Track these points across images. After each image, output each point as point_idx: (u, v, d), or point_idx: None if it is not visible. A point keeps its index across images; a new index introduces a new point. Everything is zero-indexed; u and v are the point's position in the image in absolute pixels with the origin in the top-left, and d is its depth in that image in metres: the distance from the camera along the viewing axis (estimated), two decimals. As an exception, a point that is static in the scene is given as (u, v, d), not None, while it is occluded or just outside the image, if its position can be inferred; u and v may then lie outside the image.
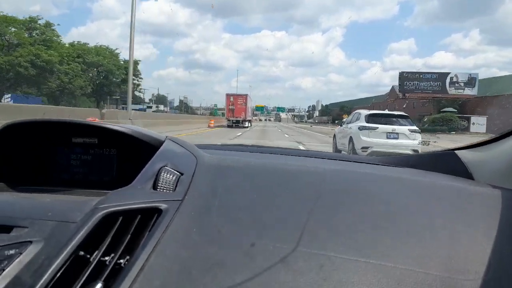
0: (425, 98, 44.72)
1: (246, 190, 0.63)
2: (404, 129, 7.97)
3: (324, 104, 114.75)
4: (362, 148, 7.87)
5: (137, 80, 56.64)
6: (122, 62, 52.71)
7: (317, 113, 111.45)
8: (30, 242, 0.45)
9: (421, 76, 43.77)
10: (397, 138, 7.90)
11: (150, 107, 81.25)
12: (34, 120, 0.72)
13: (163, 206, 0.53)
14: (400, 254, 0.50)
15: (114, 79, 50.92)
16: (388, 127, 7.96)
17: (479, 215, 0.61)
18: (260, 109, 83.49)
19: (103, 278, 0.44)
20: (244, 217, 0.55)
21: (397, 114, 8.54)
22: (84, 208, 0.51)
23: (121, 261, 0.46)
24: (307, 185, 0.67)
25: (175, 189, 0.59)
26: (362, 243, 0.51)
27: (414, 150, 7.73)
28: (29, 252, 0.44)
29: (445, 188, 0.71)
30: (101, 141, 0.75)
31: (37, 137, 0.75)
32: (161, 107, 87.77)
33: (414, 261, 0.49)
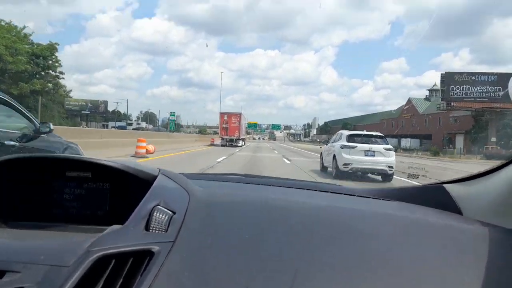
0: (479, 108, 32.69)
1: (238, 229, 0.63)
2: (380, 147, 9.08)
3: (320, 123, 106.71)
4: (344, 164, 8.95)
5: (57, 75, 38.25)
6: (28, 46, 34.27)
7: (315, 131, 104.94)
8: (23, 287, 0.45)
9: (474, 78, 32.51)
10: (373, 156, 8.99)
11: (131, 124, 75.96)
12: (28, 156, 0.75)
13: (155, 248, 0.54)
14: None
15: (10, 69, 31.66)
16: (366, 146, 9.07)
17: (468, 254, 0.61)
18: (253, 126, 73.99)
19: None
20: (236, 257, 0.56)
21: (374, 135, 9.72)
22: (77, 250, 0.51)
23: None
24: (300, 223, 0.67)
25: (167, 229, 0.59)
26: (353, 280, 0.52)
27: (389, 166, 8.83)
28: None
29: (433, 224, 0.72)
30: (95, 175, 0.76)
31: (30, 172, 0.77)
32: (143, 124, 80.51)
33: None
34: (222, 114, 32.10)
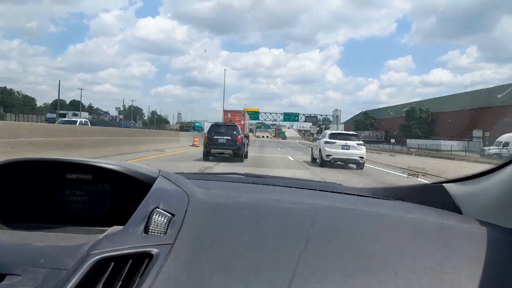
0: None
1: (238, 231, 0.64)
2: (353, 143, 12.17)
3: (347, 113, 75.49)
4: (326, 155, 12.02)
5: None
6: None
7: (341, 127, 70.59)
8: None
9: None
10: (349, 149, 12.06)
11: (64, 115, 57.94)
12: (29, 159, 0.76)
13: (154, 251, 0.54)
14: None
15: None
16: (343, 142, 12.14)
17: (467, 253, 0.61)
18: (253, 116, 51.14)
19: None
20: (234, 261, 0.56)
21: (350, 133, 12.93)
22: (76, 254, 0.52)
23: None
24: (298, 224, 0.68)
25: (166, 232, 0.59)
26: (352, 284, 0.52)
27: (360, 157, 11.89)
28: None
29: (432, 225, 0.71)
30: (95, 177, 0.78)
31: (31, 174, 0.78)
32: (84, 118, 52.27)
33: None
34: (225, 112, 33.00)
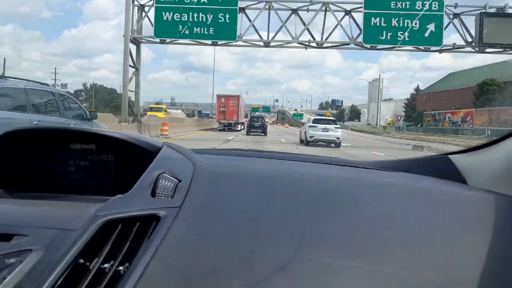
0: None
1: (244, 197, 0.65)
2: (331, 126, 15.37)
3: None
4: (310, 137, 15.18)
5: None
6: None
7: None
8: (31, 250, 0.46)
9: None
10: (328, 131, 15.22)
11: None
12: (33, 127, 0.81)
13: (161, 213, 0.55)
14: (396, 260, 0.52)
15: None
16: (323, 126, 15.30)
17: (473, 221, 0.63)
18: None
19: (102, 286, 0.45)
20: (242, 224, 0.57)
21: (329, 119, 16.34)
22: (84, 215, 0.52)
23: (121, 268, 0.47)
24: (305, 191, 0.68)
25: (173, 196, 0.60)
26: (359, 249, 0.53)
27: (336, 137, 15.05)
28: (30, 261, 0.45)
29: (438, 193, 0.72)
30: (99, 147, 0.77)
31: (35, 144, 0.78)
32: None
33: (408, 266, 0.51)
34: (219, 97, 30.74)
